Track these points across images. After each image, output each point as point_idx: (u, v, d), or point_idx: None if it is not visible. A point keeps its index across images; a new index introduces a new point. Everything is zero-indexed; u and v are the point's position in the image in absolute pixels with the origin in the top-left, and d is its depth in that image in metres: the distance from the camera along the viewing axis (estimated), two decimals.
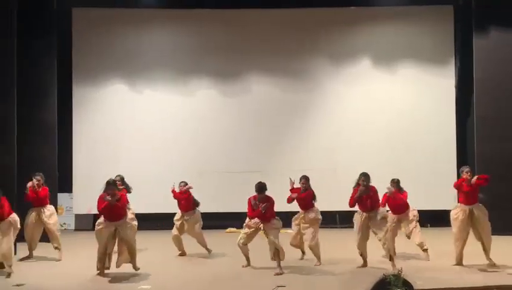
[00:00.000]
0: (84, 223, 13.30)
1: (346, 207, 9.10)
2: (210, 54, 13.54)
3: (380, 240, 8.69)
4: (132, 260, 8.41)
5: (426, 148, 13.34)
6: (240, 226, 8.95)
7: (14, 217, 8.68)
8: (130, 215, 8.66)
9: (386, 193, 9.17)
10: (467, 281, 7.70)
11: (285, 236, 9.36)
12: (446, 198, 12.20)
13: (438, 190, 12.73)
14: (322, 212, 9.35)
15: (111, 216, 8.22)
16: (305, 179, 9.22)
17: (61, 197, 12.96)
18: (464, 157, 13.16)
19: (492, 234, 8.78)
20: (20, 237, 8.79)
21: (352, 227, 9.00)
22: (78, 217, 13.55)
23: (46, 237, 9.95)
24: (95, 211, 9.00)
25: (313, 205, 9.23)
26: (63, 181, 12.90)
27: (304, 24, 13.62)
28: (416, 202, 9.75)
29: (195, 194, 10.05)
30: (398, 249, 9.20)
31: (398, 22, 13.63)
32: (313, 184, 9.28)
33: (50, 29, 12.46)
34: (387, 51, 13.58)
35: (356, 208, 8.91)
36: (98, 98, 13.62)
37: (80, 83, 13.52)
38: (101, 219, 8.31)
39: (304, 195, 9.14)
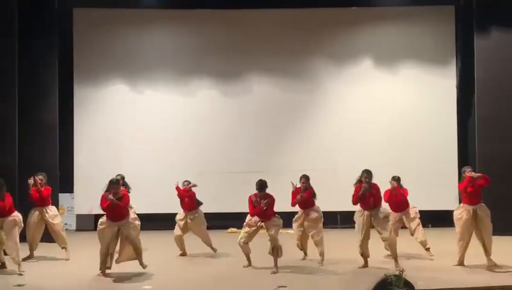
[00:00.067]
0: (86, 223, 13.32)
1: (347, 207, 9.09)
2: (211, 54, 13.53)
3: (385, 240, 8.66)
4: (138, 258, 8.39)
5: (427, 149, 13.33)
6: (241, 227, 8.94)
7: (19, 215, 8.68)
8: (132, 215, 8.65)
9: (389, 188, 9.16)
10: (469, 281, 7.68)
11: (286, 236, 9.35)
12: (447, 198, 12.24)
13: (439, 190, 12.75)
14: (323, 213, 9.36)
15: (114, 216, 8.18)
16: (305, 179, 9.19)
17: (62, 197, 12.95)
18: (465, 157, 13.14)
19: (493, 235, 8.75)
20: (21, 237, 8.77)
21: (353, 227, 8.97)
22: (79, 217, 13.55)
23: (46, 237, 9.94)
24: (96, 211, 9.02)
25: (313, 204, 9.22)
26: (64, 181, 12.90)
27: (305, 24, 13.61)
28: (418, 202, 9.77)
29: (196, 194, 10.03)
30: (399, 249, 9.16)
31: (400, 22, 13.62)
32: (313, 184, 9.27)
33: (51, 29, 12.45)
34: (388, 51, 13.57)
35: (357, 207, 8.88)
36: (99, 98, 13.62)
37: (81, 83, 13.51)
38: (104, 219, 8.27)
39: (308, 195, 9.13)
